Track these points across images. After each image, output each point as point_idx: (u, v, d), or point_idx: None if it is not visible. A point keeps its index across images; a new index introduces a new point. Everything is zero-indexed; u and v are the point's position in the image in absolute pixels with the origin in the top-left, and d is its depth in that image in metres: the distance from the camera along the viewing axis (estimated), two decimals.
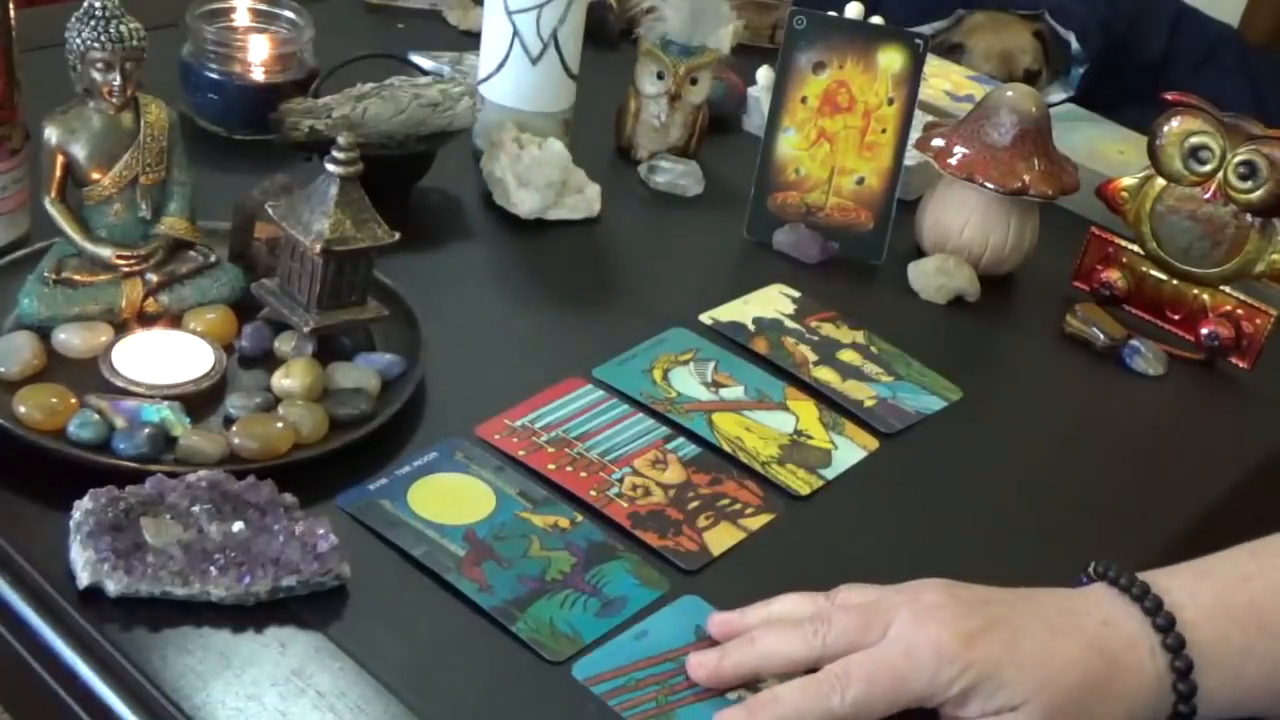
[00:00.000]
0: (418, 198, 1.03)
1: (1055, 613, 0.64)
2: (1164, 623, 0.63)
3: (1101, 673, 0.62)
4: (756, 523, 0.77)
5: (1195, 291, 1.02)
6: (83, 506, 0.65)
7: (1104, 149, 1.26)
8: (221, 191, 0.85)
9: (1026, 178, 1.00)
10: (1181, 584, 0.66)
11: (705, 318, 0.94)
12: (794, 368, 0.91)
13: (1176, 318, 1.04)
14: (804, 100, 1.03)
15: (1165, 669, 0.63)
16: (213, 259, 0.83)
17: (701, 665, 0.65)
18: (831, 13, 1.06)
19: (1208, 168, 0.98)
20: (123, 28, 0.76)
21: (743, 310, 0.96)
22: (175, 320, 0.80)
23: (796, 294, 0.99)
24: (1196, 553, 0.83)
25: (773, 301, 0.98)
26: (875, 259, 1.05)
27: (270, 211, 0.80)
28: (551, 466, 0.78)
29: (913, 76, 1.02)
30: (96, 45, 0.76)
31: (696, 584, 0.72)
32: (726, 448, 0.82)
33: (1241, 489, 0.90)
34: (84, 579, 0.63)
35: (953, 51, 1.71)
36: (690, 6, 1.08)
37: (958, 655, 0.61)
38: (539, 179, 1.01)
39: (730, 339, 0.92)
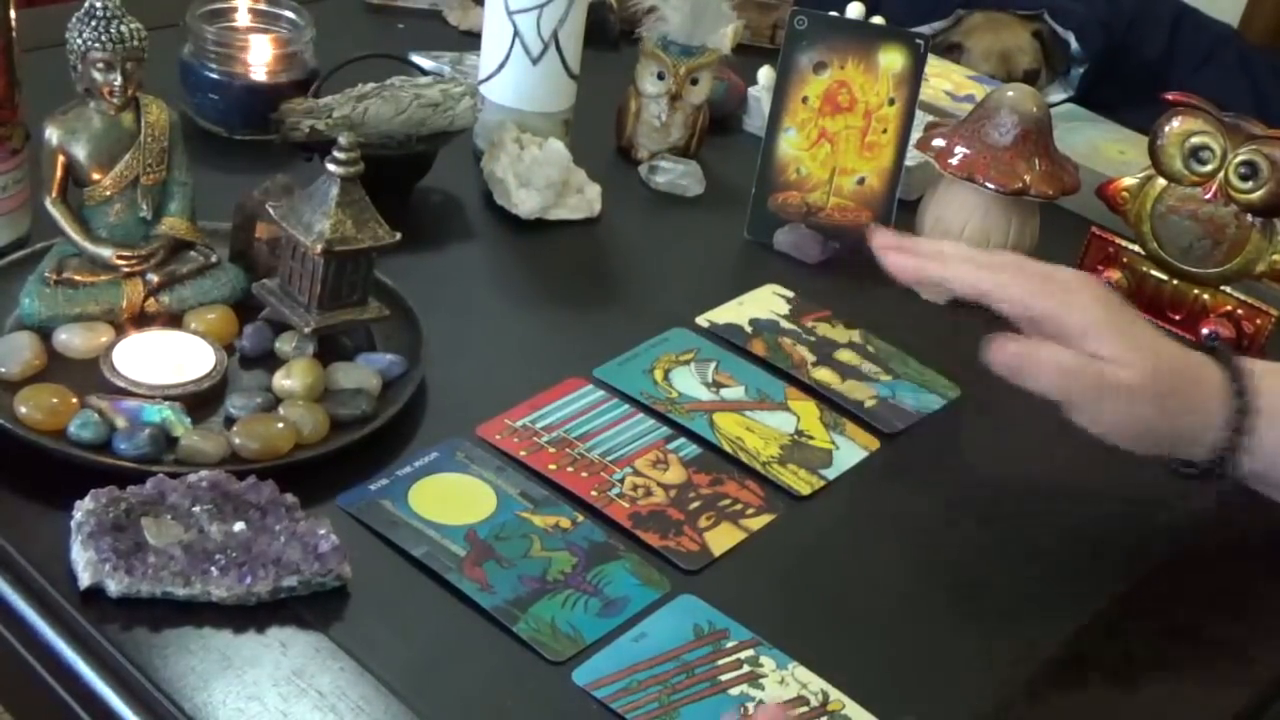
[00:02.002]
0: (418, 198, 1.03)
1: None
2: (1236, 370, 0.80)
3: (1191, 374, 0.79)
4: (757, 523, 0.77)
5: (1196, 292, 1.02)
6: (84, 507, 0.65)
7: (1104, 149, 1.26)
8: (222, 191, 0.85)
9: (1027, 178, 1.00)
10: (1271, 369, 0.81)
11: (702, 320, 0.94)
12: (793, 370, 0.90)
13: (1177, 318, 1.04)
14: (805, 100, 1.03)
15: (1232, 395, 0.79)
16: (213, 259, 0.83)
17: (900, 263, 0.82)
18: (832, 13, 1.06)
19: (1208, 168, 0.98)
20: (123, 28, 0.76)
21: (738, 312, 0.96)
22: (176, 320, 0.80)
23: (790, 294, 0.99)
24: (1197, 545, 0.83)
25: (767, 302, 0.98)
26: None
27: (271, 212, 0.80)
28: (552, 467, 0.78)
29: (914, 76, 1.02)
30: (97, 45, 0.76)
31: (697, 584, 0.72)
32: (727, 448, 0.82)
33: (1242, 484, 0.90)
34: (85, 579, 0.63)
35: (951, 51, 1.71)
36: (691, 6, 1.08)
37: (1106, 312, 0.79)
38: (539, 179, 1.01)
39: (728, 341, 0.92)
